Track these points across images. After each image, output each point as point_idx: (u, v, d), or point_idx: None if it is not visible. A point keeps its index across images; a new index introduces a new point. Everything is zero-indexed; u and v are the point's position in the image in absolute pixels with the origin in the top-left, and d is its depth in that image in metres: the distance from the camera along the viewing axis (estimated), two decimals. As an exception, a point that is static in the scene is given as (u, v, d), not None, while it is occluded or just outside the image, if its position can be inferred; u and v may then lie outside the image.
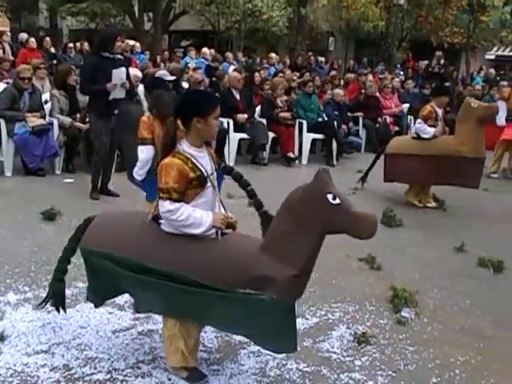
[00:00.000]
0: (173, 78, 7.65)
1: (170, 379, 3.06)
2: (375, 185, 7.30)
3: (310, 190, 2.66)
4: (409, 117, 11.38)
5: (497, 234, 6.07)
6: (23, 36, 12.64)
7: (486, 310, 4.19)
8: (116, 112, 6.15)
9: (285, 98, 9.41)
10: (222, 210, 3.02)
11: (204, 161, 2.88)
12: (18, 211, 5.74)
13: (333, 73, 13.47)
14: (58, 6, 22.39)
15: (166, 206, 2.76)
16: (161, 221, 2.90)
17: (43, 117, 7.25)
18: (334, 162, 9.33)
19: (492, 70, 17.82)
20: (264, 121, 9.02)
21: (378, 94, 11.20)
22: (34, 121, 7.06)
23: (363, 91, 11.21)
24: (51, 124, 7.21)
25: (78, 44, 14.08)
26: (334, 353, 3.47)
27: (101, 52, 6.13)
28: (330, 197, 2.59)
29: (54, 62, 11.84)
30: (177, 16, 22.62)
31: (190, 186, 2.80)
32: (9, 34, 13.81)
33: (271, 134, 9.03)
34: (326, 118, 9.74)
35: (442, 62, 14.79)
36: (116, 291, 3.17)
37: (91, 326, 3.56)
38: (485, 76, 17.18)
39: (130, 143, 5.09)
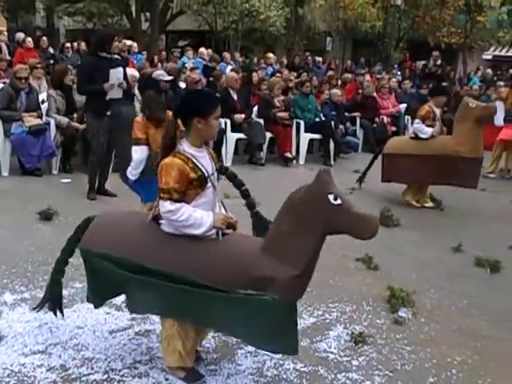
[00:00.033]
0: (170, 78, 7.65)
1: (167, 379, 3.05)
2: (373, 185, 7.31)
3: (312, 190, 2.65)
4: (406, 117, 11.39)
5: (494, 233, 6.08)
6: (20, 36, 12.61)
7: (483, 310, 4.19)
8: (109, 113, 6.13)
9: (282, 97, 9.41)
10: (223, 211, 3.02)
11: (204, 161, 2.87)
12: (14, 211, 5.73)
13: (330, 73, 13.48)
14: (54, 6, 22.32)
15: (166, 206, 2.75)
16: (161, 221, 2.89)
17: (40, 117, 7.24)
18: (332, 162, 9.34)
19: (489, 70, 17.85)
20: (261, 121, 9.02)
21: (375, 94, 11.22)
22: (31, 121, 7.05)
23: (360, 91, 11.23)
24: (48, 124, 7.20)
25: (75, 44, 14.06)
26: (331, 353, 3.47)
27: (98, 52, 6.13)
28: (331, 197, 2.59)
29: (51, 61, 11.81)
30: (174, 16, 22.60)
31: (191, 187, 2.79)
32: (5, 33, 13.75)
33: (268, 134, 9.03)
34: (323, 118, 9.75)
35: (439, 62, 14.82)
36: (115, 292, 3.15)
37: (88, 327, 3.56)
38: (482, 76, 17.21)
39: (123, 144, 5.08)
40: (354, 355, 3.46)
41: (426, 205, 6.95)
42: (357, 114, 10.73)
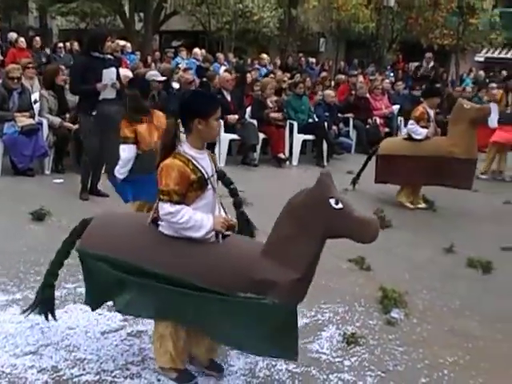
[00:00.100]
0: (163, 78, 7.64)
1: (159, 380, 3.05)
2: (366, 186, 7.32)
3: (313, 194, 2.65)
4: (399, 118, 11.43)
5: (486, 234, 6.11)
6: (12, 36, 12.56)
7: (475, 311, 4.21)
8: (94, 113, 6.10)
9: (275, 98, 9.42)
10: (222, 213, 3.01)
11: (205, 162, 2.86)
12: (6, 211, 5.71)
13: (323, 74, 13.51)
14: (47, 6, 22.26)
15: (166, 208, 2.74)
16: (160, 223, 2.87)
17: (32, 117, 7.21)
18: (325, 163, 9.35)
19: (481, 72, 17.96)
20: (255, 122, 9.03)
21: (368, 96, 11.24)
22: (24, 121, 7.03)
23: (353, 92, 11.26)
24: (40, 124, 7.17)
25: (67, 44, 14.01)
26: (324, 353, 3.47)
27: (91, 52, 6.12)
28: (332, 201, 2.59)
29: (44, 60, 11.77)
30: (168, 16, 22.57)
31: (191, 189, 2.78)
32: (-2, 33, 13.73)
33: (262, 135, 9.03)
34: (316, 119, 9.76)
35: (432, 63, 14.87)
36: (112, 294, 3.06)
37: (80, 327, 3.54)
38: (474, 78, 17.30)
39: (110, 143, 5.07)
40: (346, 356, 3.47)
41: (419, 206, 6.97)
42: (350, 115, 10.75)
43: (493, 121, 8.64)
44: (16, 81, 7.08)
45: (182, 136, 2.88)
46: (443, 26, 20.76)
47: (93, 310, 3.30)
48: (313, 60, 17.14)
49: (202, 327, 2.91)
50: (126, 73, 7.67)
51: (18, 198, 6.20)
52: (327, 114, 10.06)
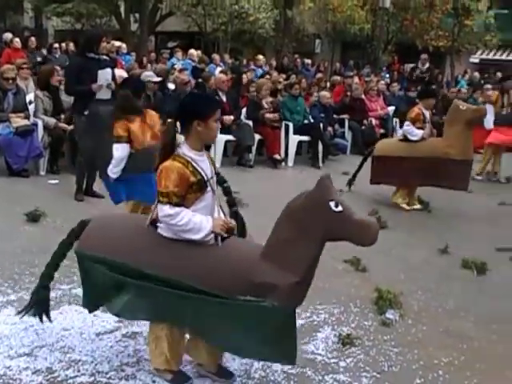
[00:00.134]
0: (159, 79, 7.64)
1: (154, 381, 3.04)
2: (361, 187, 7.33)
3: (313, 196, 2.65)
4: (394, 119, 11.45)
5: (480, 235, 6.13)
6: (8, 36, 12.52)
7: (470, 312, 4.22)
8: (86, 113, 6.09)
9: (270, 99, 9.42)
10: (222, 215, 3.00)
11: (204, 165, 2.85)
12: (1, 212, 5.69)
13: (319, 75, 13.52)
14: (43, 6, 22.22)
15: (165, 210, 2.73)
16: (159, 225, 2.86)
17: (27, 117, 7.19)
18: (320, 164, 9.36)
19: (476, 74, 18.00)
20: (250, 122, 9.03)
21: (363, 97, 11.25)
22: (18, 121, 7.00)
23: (349, 94, 11.27)
24: (35, 125, 7.15)
25: (63, 44, 13.98)
26: (319, 354, 3.48)
27: (86, 53, 6.11)
28: (332, 204, 2.59)
29: (39, 59, 11.74)
30: (163, 17, 22.56)
31: (190, 191, 2.77)
32: (-7, 33, 13.68)
33: (257, 136, 9.04)
34: (312, 120, 9.77)
35: (427, 65, 14.88)
36: (110, 296, 3.02)
37: (75, 329, 3.54)
38: (469, 79, 17.35)
39: (102, 143, 5.06)
40: (341, 357, 3.47)
41: (414, 207, 6.99)
42: (345, 116, 10.76)
43: (488, 122, 8.67)
44: (11, 81, 7.06)
45: (179, 137, 2.87)
46: (438, 28, 20.82)
47: (90, 312, 3.28)
48: (308, 61, 17.15)
49: (201, 331, 2.89)
50: (121, 73, 7.66)
51: (12, 198, 6.18)
52: (323, 115, 10.08)
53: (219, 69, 12.18)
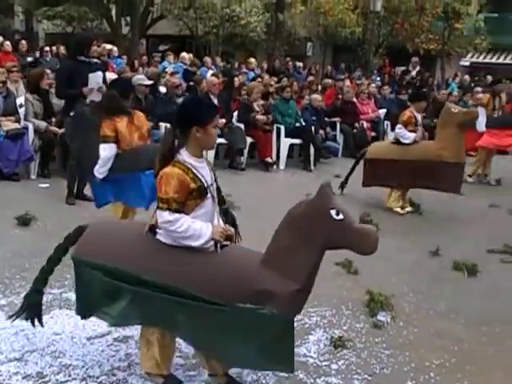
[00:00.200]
0: (150, 82, 7.62)
1: (145, 386, 3.03)
2: (353, 190, 7.35)
3: (313, 205, 2.65)
4: (385, 122, 11.49)
5: (471, 237, 6.16)
6: (-2, 39, 12.46)
7: (461, 314, 4.24)
8: (72, 114, 6.07)
9: (261, 102, 9.44)
10: (221, 222, 2.99)
11: (204, 171, 2.85)
12: (-9, 216, 5.66)
13: (310, 78, 13.55)
14: (33, 10, 22.10)
15: (165, 216, 2.72)
16: (158, 231, 2.85)
17: (18, 121, 7.16)
18: (312, 167, 9.38)
19: (467, 77, 18.10)
20: (242, 126, 9.04)
21: (355, 100, 11.29)
22: (9, 125, 6.98)
23: (340, 97, 11.30)
24: (26, 128, 7.12)
25: (54, 48, 13.94)
26: (311, 357, 3.48)
27: (77, 56, 6.10)
28: (333, 212, 2.59)
29: (31, 59, 11.69)
30: (155, 20, 22.52)
31: (190, 197, 2.76)
32: (-17, 37, 13.59)
33: (249, 139, 9.05)
34: (303, 123, 9.79)
35: (418, 68, 14.96)
36: (105, 303, 2.98)
37: (66, 333, 3.52)
38: (460, 82, 17.44)
39: (88, 143, 5.05)
40: (333, 359, 3.48)
41: (406, 209, 7.01)
42: (337, 119, 10.80)
43: (480, 125, 8.71)
44: (1, 84, 7.04)
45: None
46: (429, 31, 20.93)
47: (83, 318, 3.24)
48: (300, 64, 17.18)
49: (198, 339, 2.87)
50: (112, 77, 7.64)
51: (3, 202, 6.14)
52: (314, 118, 10.10)
53: (211, 72, 12.19)
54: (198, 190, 2.78)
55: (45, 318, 3.52)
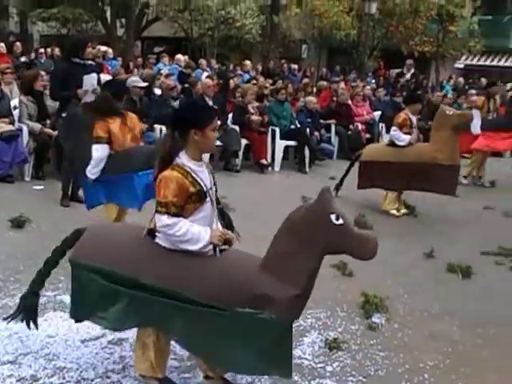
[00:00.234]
0: (145, 84, 7.62)
1: (140, 388, 3.03)
2: (348, 192, 7.36)
3: (313, 209, 2.65)
4: (380, 124, 11.51)
5: (465, 239, 6.18)
6: (-8, 41, 12.43)
7: (455, 316, 4.25)
8: (64, 115, 6.05)
9: (256, 104, 9.44)
10: (219, 226, 2.99)
11: (203, 175, 2.84)
12: (-15, 219, 5.63)
13: (305, 80, 13.56)
14: (28, 11, 22.06)
15: (163, 220, 2.72)
16: (157, 235, 2.84)
17: (12, 123, 7.13)
18: (307, 169, 9.39)
19: (461, 79, 18.17)
20: (237, 127, 9.04)
21: (349, 102, 11.31)
22: (3, 127, 6.93)
23: (335, 99, 11.32)
24: (20, 130, 7.09)
25: (48, 49, 13.92)
26: (306, 359, 3.48)
27: (71, 58, 6.10)
28: (333, 217, 2.60)
29: (23, 59, 11.66)
30: (150, 22, 22.52)
31: (189, 201, 2.76)
32: (-22, 38, 13.58)
33: (244, 141, 9.04)
34: (298, 125, 9.80)
35: (413, 70, 15.01)
36: (101, 307, 2.96)
37: (60, 336, 3.51)
38: (454, 84, 17.51)
39: (80, 144, 5.05)
40: (328, 361, 3.48)
41: (401, 211, 7.02)
42: (332, 121, 10.80)
43: (475, 127, 8.74)
44: (-5, 86, 7.02)
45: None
46: (423, 34, 20.99)
47: (78, 321, 3.22)
48: (295, 66, 17.22)
49: (196, 343, 2.85)
50: (107, 78, 7.64)
51: (-3, 204, 6.12)
52: (309, 120, 10.10)
53: (206, 74, 12.19)
54: (197, 194, 2.77)
55: (39, 320, 3.50)
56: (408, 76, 14.96)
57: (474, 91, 12.07)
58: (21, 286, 3.94)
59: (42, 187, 7.02)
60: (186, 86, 10.17)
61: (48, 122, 7.38)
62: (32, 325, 3.24)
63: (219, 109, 8.98)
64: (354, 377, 3.33)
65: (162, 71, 11.42)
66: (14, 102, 7.46)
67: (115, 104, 4.73)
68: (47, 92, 7.21)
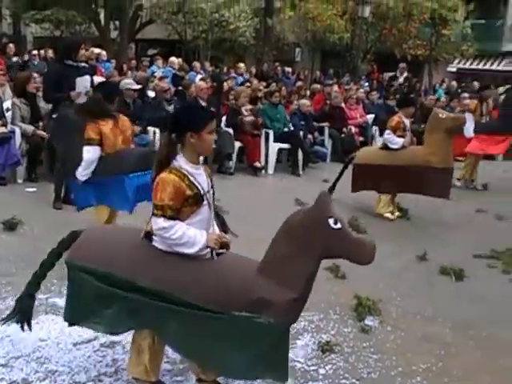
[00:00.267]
0: (138, 86, 7.61)
1: (132, 391, 3.01)
2: (342, 195, 7.34)
3: (312, 213, 2.66)
4: (373, 127, 11.54)
5: (458, 242, 6.19)
6: (-15, 42, 12.41)
7: (448, 318, 4.26)
8: (54, 116, 6.03)
9: (250, 106, 9.45)
10: (216, 229, 2.98)
11: (201, 178, 2.83)
12: (-23, 221, 5.60)
13: (299, 83, 13.58)
14: (21, 13, 22.01)
15: (159, 223, 2.71)
16: (154, 237, 2.83)
17: (5, 125, 7.10)
18: (300, 172, 9.40)
19: (454, 83, 18.25)
20: (230, 130, 9.04)
21: (343, 105, 11.33)
22: (-5, 129, 6.92)
23: (329, 102, 11.34)
24: (13, 132, 7.06)
25: (42, 51, 13.88)
26: (299, 362, 3.48)
27: (64, 60, 6.08)
28: (331, 221, 2.60)
29: (18, 59, 11.64)
30: (143, 25, 22.52)
31: (186, 204, 2.75)
32: (-30, 40, 13.54)
33: (237, 144, 9.05)
34: (292, 128, 9.81)
35: (406, 74, 15.06)
36: (97, 310, 2.93)
37: (51, 339, 3.49)
38: (447, 88, 17.58)
39: (71, 145, 5.04)
40: (321, 364, 3.48)
41: (395, 214, 7.03)
42: (325, 124, 10.82)
43: (468, 130, 8.78)
44: (-13, 88, 6.99)
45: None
46: (416, 37, 21.07)
47: (70, 325, 3.19)
48: (289, 69, 17.24)
49: (192, 347, 2.83)
50: (100, 81, 7.62)
51: (-11, 207, 6.09)
52: (303, 122, 10.13)
53: (199, 76, 12.19)
54: (194, 197, 2.76)
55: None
56: (401, 79, 15.00)
57: (466, 95, 12.14)
58: (13, 289, 3.92)
59: (34, 189, 6.99)
60: (180, 88, 10.16)
61: (41, 124, 7.35)
62: (26, 327, 3.22)
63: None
64: (346, 379, 3.33)
65: (155, 74, 11.41)
66: (7, 104, 7.44)
67: (107, 106, 4.72)
68: (40, 94, 7.19)
